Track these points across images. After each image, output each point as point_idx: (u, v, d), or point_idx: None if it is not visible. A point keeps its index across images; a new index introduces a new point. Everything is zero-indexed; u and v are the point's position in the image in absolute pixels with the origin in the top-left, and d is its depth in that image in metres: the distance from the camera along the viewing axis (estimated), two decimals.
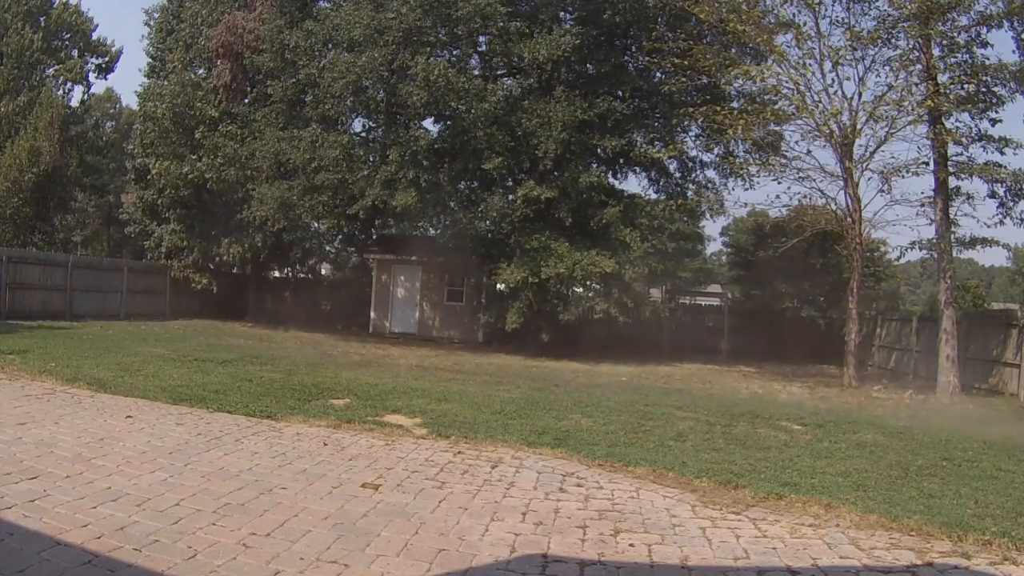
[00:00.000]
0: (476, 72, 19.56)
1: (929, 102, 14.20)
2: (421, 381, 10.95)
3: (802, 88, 15.37)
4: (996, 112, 14.94)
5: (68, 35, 34.05)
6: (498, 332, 20.42)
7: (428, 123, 20.71)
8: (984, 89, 14.66)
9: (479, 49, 20.17)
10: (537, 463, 6.22)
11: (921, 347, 18.31)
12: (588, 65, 19.51)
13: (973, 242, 15.55)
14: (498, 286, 20.20)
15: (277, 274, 29.18)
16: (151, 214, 24.83)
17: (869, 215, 16.22)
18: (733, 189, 59.28)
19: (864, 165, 15.63)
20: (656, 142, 19.39)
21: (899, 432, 8.77)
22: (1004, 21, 14.34)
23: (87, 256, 30.99)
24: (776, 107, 15.84)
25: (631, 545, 4.37)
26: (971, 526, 4.82)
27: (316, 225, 23.53)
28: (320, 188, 18.96)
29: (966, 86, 14.64)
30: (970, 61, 14.61)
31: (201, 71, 24.20)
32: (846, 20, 15.43)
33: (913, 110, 14.58)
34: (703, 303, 28.81)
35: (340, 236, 26.30)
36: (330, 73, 18.57)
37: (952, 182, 15.20)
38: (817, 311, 21.85)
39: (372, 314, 24.07)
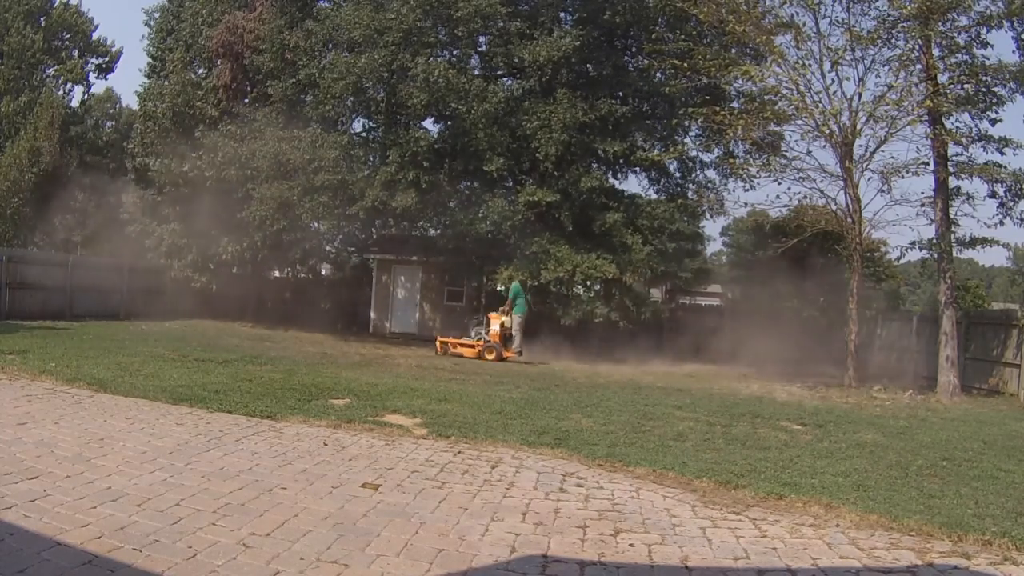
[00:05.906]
0: (476, 73, 19.56)
1: (929, 102, 14.19)
2: (421, 381, 10.94)
3: (802, 88, 15.35)
4: (996, 112, 14.94)
5: (68, 35, 34.10)
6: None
7: (428, 124, 20.75)
8: (984, 89, 14.65)
9: (479, 50, 20.18)
10: (537, 463, 6.22)
11: (921, 347, 18.31)
12: (588, 66, 19.50)
13: (973, 242, 15.54)
14: (498, 287, 20.18)
15: (277, 274, 29.15)
16: (151, 214, 24.81)
17: (869, 215, 16.16)
18: (733, 189, 59.03)
19: (864, 165, 15.61)
20: (656, 144, 19.38)
21: (899, 432, 8.78)
22: (1004, 21, 14.33)
23: (87, 256, 30.96)
24: (776, 107, 15.80)
25: (631, 545, 4.37)
26: (971, 526, 4.82)
27: (316, 225, 23.52)
28: (320, 188, 18.95)
29: (966, 86, 14.63)
30: (970, 61, 14.60)
31: (201, 71, 24.18)
32: (846, 20, 15.41)
33: (913, 110, 14.56)
34: (703, 303, 28.75)
35: (340, 236, 26.28)
36: (330, 73, 18.57)
37: (952, 182, 15.20)
38: (817, 311, 21.80)
39: (372, 314, 24.06)
